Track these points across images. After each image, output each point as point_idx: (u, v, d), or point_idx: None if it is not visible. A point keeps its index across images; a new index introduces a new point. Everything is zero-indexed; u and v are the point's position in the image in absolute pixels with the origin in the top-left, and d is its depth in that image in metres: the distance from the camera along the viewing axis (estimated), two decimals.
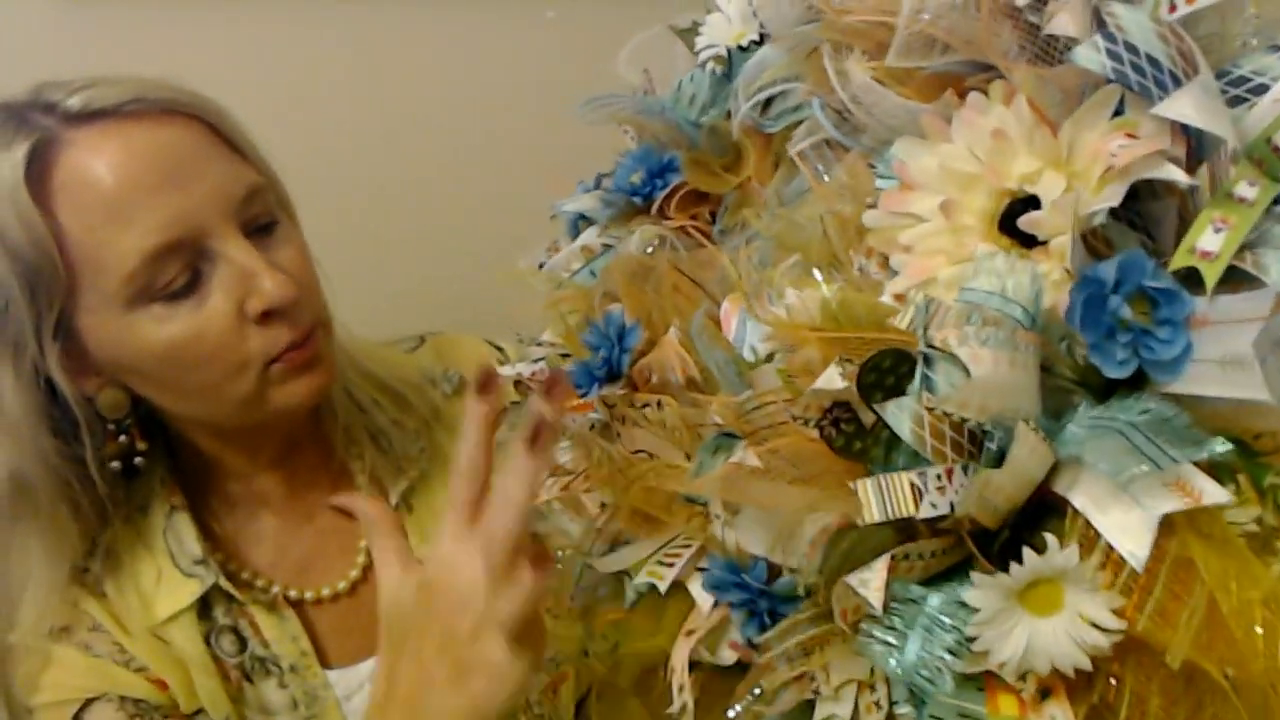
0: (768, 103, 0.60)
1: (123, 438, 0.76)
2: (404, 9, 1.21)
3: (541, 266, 0.73)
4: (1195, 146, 0.42)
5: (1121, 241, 0.44)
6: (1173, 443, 0.38)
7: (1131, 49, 0.42)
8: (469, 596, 0.53)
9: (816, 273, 0.49)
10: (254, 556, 0.82)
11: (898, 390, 0.44)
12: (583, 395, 0.59)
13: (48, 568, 0.75)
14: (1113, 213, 0.42)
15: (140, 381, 0.74)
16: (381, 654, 0.56)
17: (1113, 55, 0.42)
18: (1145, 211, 0.44)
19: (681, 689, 0.51)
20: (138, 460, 0.76)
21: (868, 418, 0.46)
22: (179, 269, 0.69)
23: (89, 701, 0.74)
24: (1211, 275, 0.39)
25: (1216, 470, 0.39)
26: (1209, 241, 0.40)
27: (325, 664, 0.81)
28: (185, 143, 0.71)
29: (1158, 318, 0.40)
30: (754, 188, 0.64)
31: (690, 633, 0.53)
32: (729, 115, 0.63)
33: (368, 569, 0.83)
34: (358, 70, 1.18)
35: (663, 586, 0.53)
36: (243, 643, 0.79)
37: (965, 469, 0.41)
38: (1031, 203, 0.46)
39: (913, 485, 0.40)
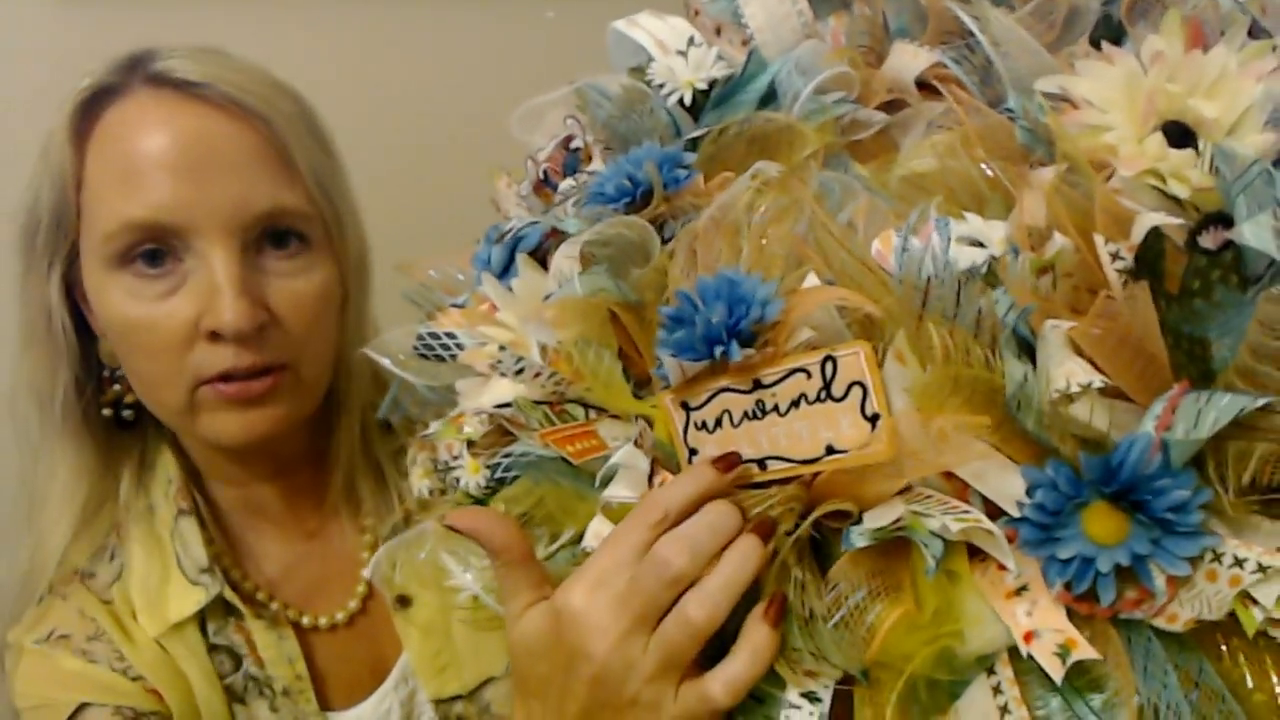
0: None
1: (116, 386, 0.77)
2: (404, 9, 1.23)
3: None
4: None
5: None
6: None
7: None
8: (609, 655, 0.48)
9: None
10: (257, 570, 0.80)
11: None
12: (696, 360, 0.51)
13: (63, 499, 0.76)
14: None
15: (113, 341, 0.75)
16: (515, 694, 0.52)
17: None
18: None
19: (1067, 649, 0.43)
20: (125, 413, 0.77)
21: None
22: (155, 246, 0.69)
23: (82, 707, 0.72)
24: None
25: None
26: None
27: (321, 704, 0.77)
28: (228, 141, 0.70)
29: None
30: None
31: (1018, 592, 0.44)
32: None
33: (367, 599, 0.81)
34: (356, 70, 1.18)
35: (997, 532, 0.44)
36: (237, 661, 0.76)
37: None
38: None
39: None
